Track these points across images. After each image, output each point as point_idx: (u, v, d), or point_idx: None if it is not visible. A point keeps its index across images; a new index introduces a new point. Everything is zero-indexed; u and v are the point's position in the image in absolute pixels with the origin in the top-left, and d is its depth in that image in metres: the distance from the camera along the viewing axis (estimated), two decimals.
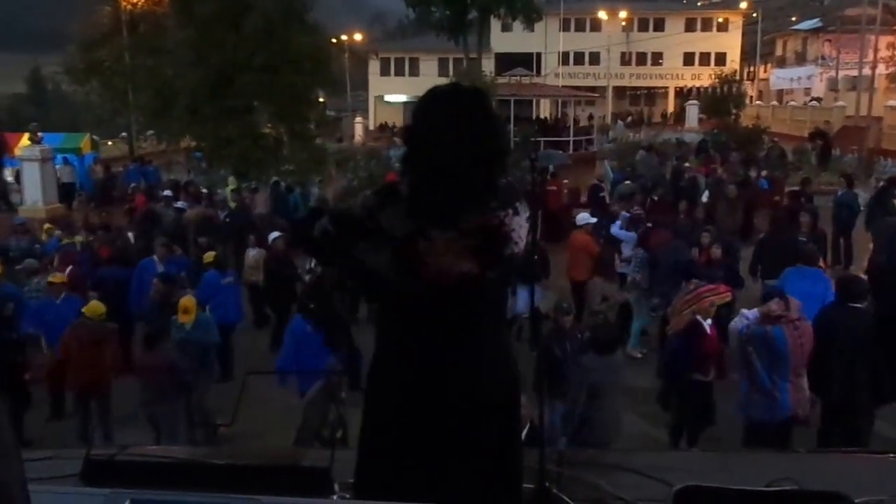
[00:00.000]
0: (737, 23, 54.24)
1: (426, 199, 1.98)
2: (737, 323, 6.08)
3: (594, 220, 10.88)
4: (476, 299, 2.01)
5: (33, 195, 18.62)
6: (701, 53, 52.78)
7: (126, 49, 24.11)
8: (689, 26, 53.66)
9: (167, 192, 16.07)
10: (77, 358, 7.14)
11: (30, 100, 55.04)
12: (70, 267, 9.71)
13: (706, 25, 54.14)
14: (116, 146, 31.30)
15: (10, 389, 6.97)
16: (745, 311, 6.18)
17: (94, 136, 26.79)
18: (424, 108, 2.09)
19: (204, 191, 16.88)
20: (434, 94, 2.14)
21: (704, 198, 14.79)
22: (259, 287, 10.59)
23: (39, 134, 19.58)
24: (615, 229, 10.64)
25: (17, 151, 19.41)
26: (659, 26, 53.81)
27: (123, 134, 30.60)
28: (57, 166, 20.57)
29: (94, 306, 7.39)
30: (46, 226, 13.64)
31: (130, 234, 12.55)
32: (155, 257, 9.81)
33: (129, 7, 25.70)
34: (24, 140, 19.48)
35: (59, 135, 24.39)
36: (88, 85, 25.87)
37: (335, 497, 1.48)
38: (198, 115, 18.92)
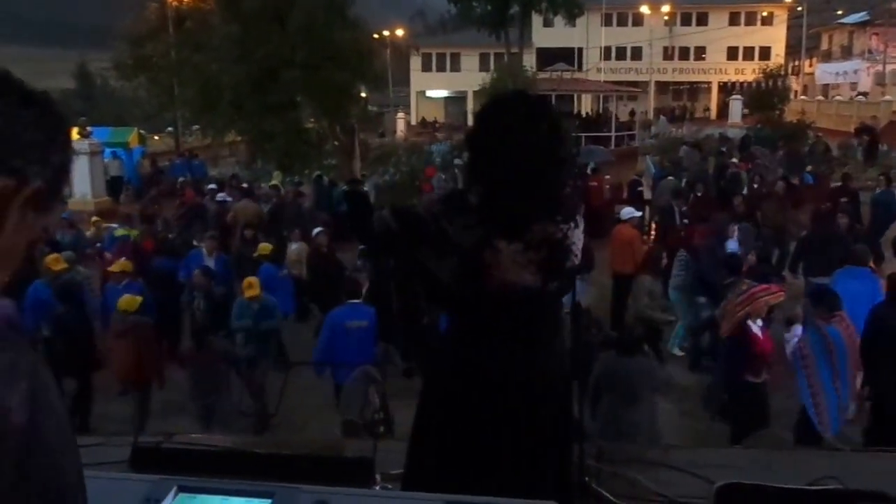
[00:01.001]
0: (781, 16, 53.01)
1: (495, 210, 1.96)
2: (789, 338, 5.95)
3: (639, 213, 10.72)
4: (536, 310, 2.01)
5: (82, 188, 18.99)
6: (745, 48, 51.77)
7: (172, 45, 24.46)
8: (733, 20, 52.61)
9: (212, 186, 16.31)
10: (116, 350, 7.31)
11: (78, 95, 56.09)
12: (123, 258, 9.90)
13: (750, 19, 53.04)
14: (163, 140, 31.83)
15: (78, 377, 7.16)
16: (795, 326, 6.02)
17: (142, 131, 27.25)
18: (491, 117, 2.05)
19: (244, 185, 17.05)
20: (501, 102, 2.11)
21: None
22: (302, 281, 10.68)
23: (88, 128, 19.97)
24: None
25: None
26: (702, 20, 52.89)
27: (169, 128, 31.10)
28: (105, 160, 20.98)
29: (128, 300, 7.47)
30: (94, 218, 13.94)
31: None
32: (203, 250, 9.97)
33: (175, 3, 26.08)
34: (74, 134, 19.90)
35: (107, 129, 24.82)
36: (136, 80, 26.31)
37: (377, 487, 1.49)
38: (242, 110, 19.17)
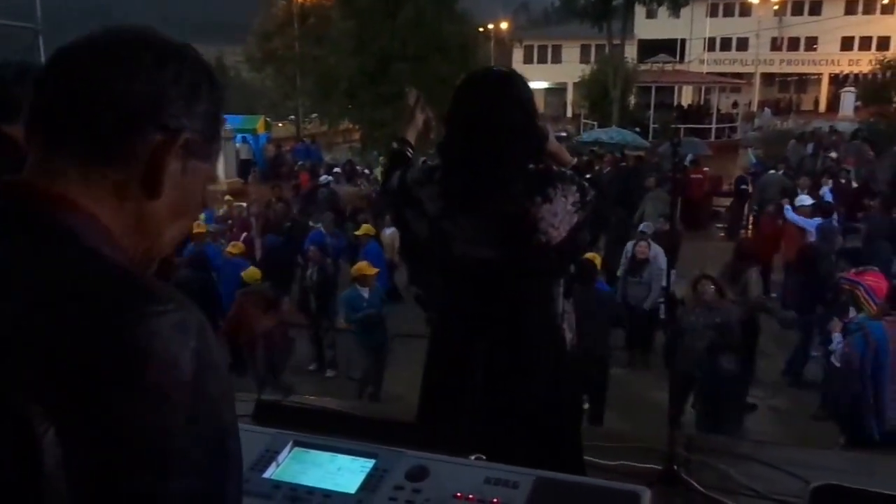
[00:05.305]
0: None
1: (450, 183, 1.96)
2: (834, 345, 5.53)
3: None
4: (502, 283, 1.97)
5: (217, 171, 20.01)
6: (861, 38, 48.08)
7: (297, 39, 25.26)
8: (850, 9, 48.84)
9: (334, 170, 16.83)
10: (246, 317, 7.61)
11: None
12: (245, 234, 10.36)
13: (868, 8, 49.04)
14: (285, 127, 32.96)
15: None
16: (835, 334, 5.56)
17: (268, 118, 28.31)
18: (456, 94, 2.00)
19: (356, 170, 17.45)
20: (466, 79, 2.06)
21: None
22: (394, 264, 10.78)
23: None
24: (790, 214, 9.73)
25: None
26: (815, 10, 49.53)
27: (291, 116, 32.18)
28: (236, 145, 21.95)
29: (252, 272, 7.80)
30: (226, 197, 14.61)
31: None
32: (322, 228, 10.41)
33: (300, 1, 26.89)
34: None
35: (239, 116, 25.88)
36: (264, 72, 27.38)
37: (472, 457, 1.54)
38: (356, 99, 19.61)
